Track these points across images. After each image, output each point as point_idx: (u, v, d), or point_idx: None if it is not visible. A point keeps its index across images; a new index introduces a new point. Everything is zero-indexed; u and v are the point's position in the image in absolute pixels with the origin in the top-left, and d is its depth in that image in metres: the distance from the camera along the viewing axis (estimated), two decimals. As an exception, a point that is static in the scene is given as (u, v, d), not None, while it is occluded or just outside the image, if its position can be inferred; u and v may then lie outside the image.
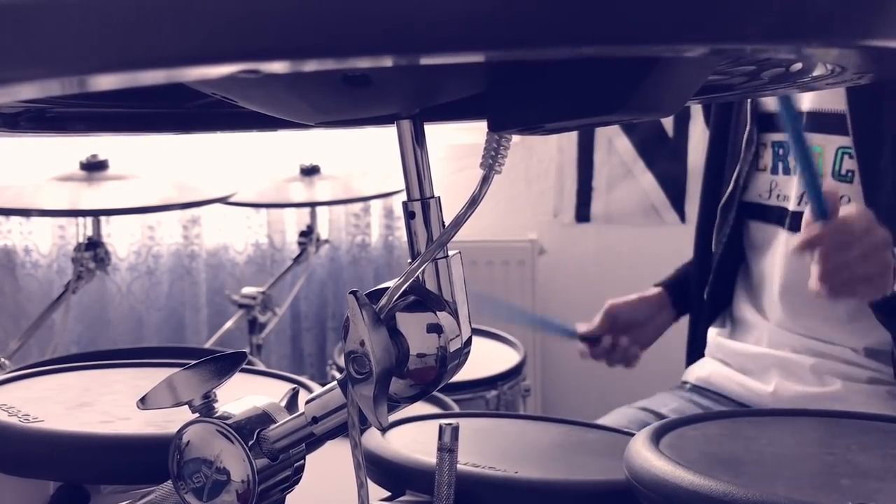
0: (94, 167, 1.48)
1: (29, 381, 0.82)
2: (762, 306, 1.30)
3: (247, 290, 1.81)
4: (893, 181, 1.10)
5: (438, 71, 0.40)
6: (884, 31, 0.29)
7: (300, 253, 1.95)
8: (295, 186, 1.87)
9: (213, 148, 2.26)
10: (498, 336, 1.69)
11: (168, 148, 2.20)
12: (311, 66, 0.26)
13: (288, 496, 0.55)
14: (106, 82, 0.27)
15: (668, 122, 2.40)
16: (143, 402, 0.52)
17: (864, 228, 0.99)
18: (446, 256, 0.49)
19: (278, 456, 0.52)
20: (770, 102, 1.28)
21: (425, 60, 0.28)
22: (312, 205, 1.94)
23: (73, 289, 1.46)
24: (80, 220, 1.51)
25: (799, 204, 1.22)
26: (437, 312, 0.47)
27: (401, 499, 0.69)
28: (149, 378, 0.64)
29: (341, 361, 1.58)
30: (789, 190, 1.24)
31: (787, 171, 1.26)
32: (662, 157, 2.42)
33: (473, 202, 0.45)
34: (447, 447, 0.56)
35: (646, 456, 0.61)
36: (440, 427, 0.56)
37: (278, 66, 0.26)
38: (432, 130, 0.48)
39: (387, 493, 0.70)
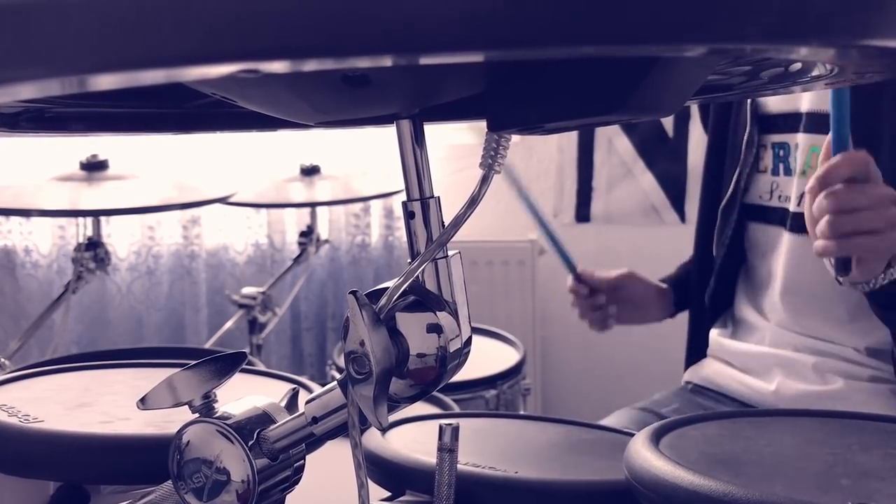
0: (94, 167, 1.48)
1: (29, 381, 0.82)
2: (763, 307, 1.30)
3: (247, 290, 1.81)
4: (894, 182, 1.10)
5: (438, 71, 0.40)
6: (883, 30, 0.29)
7: (300, 253, 1.95)
8: (295, 186, 1.87)
9: (213, 148, 2.26)
10: (498, 335, 1.69)
11: (168, 148, 2.20)
12: (310, 65, 0.26)
13: (288, 496, 0.55)
14: (106, 82, 0.27)
15: (668, 122, 2.40)
16: (143, 403, 0.52)
17: (879, 177, 0.98)
18: (446, 256, 0.49)
19: (278, 456, 0.52)
20: (771, 103, 1.28)
21: (425, 60, 0.28)
22: (312, 205, 1.94)
23: (73, 289, 1.46)
24: (80, 220, 1.51)
25: (799, 204, 1.22)
26: (437, 312, 0.47)
27: (401, 499, 0.69)
28: (149, 378, 0.64)
29: (341, 361, 1.58)
30: (790, 191, 1.24)
31: (787, 172, 1.26)
32: (662, 157, 2.42)
33: (473, 202, 0.45)
34: (447, 447, 0.56)
35: (646, 456, 0.61)
36: (440, 427, 0.56)
37: (278, 66, 0.26)
38: (432, 130, 0.48)
39: (387, 493, 0.70)
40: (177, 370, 0.52)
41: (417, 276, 0.48)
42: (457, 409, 1.19)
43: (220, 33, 0.24)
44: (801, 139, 1.23)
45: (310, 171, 1.88)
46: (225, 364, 0.53)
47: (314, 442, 0.53)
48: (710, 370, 1.35)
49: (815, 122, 1.21)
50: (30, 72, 0.26)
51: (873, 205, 0.98)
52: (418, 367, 0.47)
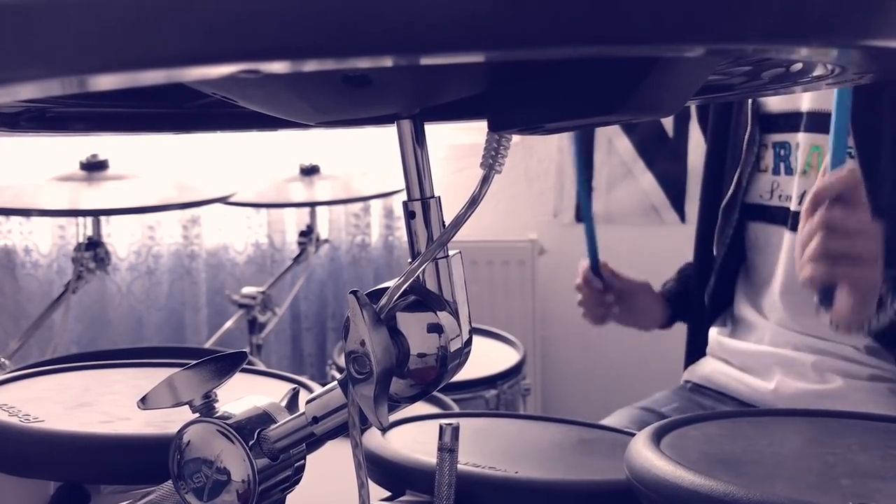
0: (94, 167, 1.48)
1: (29, 381, 0.82)
2: (763, 306, 1.30)
3: (247, 290, 1.81)
4: (894, 182, 1.10)
5: (439, 71, 0.40)
6: (884, 31, 0.29)
7: (300, 253, 1.95)
8: (295, 186, 1.87)
9: (213, 148, 2.26)
10: (498, 335, 1.69)
11: (168, 148, 2.20)
12: (311, 66, 0.26)
13: (288, 496, 0.55)
14: (106, 82, 0.27)
15: (668, 122, 2.40)
16: (144, 402, 0.52)
17: (867, 206, 0.98)
18: (447, 256, 0.49)
19: (279, 456, 0.52)
20: (772, 103, 1.28)
21: (425, 60, 0.28)
22: (312, 205, 1.94)
23: (73, 289, 1.46)
24: (80, 220, 1.51)
25: (800, 203, 1.22)
26: (438, 312, 0.47)
27: (401, 499, 0.69)
28: (149, 378, 0.64)
29: (341, 361, 1.58)
30: (790, 190, 1.24)
31: (788, 172, 1.26)
32: (662, 157, 2.42)
33: (473, 202, 0.45)
34: (447, 447, 0.56)
35: (646, 456, 0.61)
36: (440, 427, 0.56)
37: (278, 67, 0.26)
38: (432, 130, 0.48)
39: (387, 493, 0.70)
40: (177, 370, 0.52)
41: (418, 276, 0.48)
42: (457, 409, 1.19)
43: (220, 33, 0.24)
44: (801, 138, 1.23)
45: (310, 171, 1.88)
46: (225, 364, 0.53)
47: (315, 442, 0.53)
48: (710, 369, 1.35)
49: (816, 122, 1.21)
50: (30, 72, 0.26)
51: (862, 231, 0.98)
52: (419, 366, 0.47)
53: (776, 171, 1.28)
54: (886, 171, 1.13)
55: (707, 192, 1.40)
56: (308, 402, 0.52)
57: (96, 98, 0.51)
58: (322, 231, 2.05)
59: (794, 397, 1.20)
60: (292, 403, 0.56)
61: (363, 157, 2.26)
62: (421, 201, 0.48)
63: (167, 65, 0.25)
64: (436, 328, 0.47)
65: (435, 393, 0.54)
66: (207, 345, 1.87)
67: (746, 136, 1.28)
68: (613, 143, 2.43)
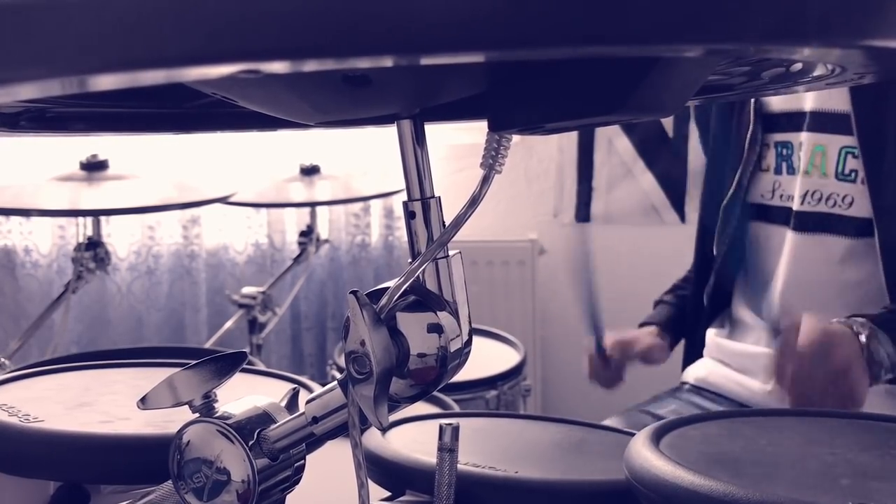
0: (94, 167, 1.48)
1: (29, 380, 0.82)
2: (759, 308, 1.30)
3: (247, 290, 1.81)
4: None
5: (439, 71, 0.40)
6: (884, 31, 0.29)
7: (300, 253, 1.95)
8: (295, 186, 1.87)
9: (213, 148, 2.26)
10: (498, 336, 1.69)
11: (168, 148, 2.20)
12: (311, 66, 0.26)
13: (288, 496, 0.55)
14: (106, 82, 0.27)
15: (668, 122, 2.40)
16: (144, 402, 0.52)
17: (820, 350, 1.00)
18: (447, 256, 0.49)
19: (278, 456, 0.52)
20: (774, 102, 1.28)
21: (425, 60, 0.28)
22: (312, 205, 1.94)
23: (73, 289, 1.46)
24: (80, 220, 1.51)
25: (802, 203, 1.22)
26: (438, 312, 0.47)
27: (401, 499, 0.69)
28: (149, 378, 0.64)
29: (341, 361, 1.58)
30: (792, 190, 1.24)
31: (790, 171, 1.26)
32: (662, 157, 2.42)
33: (474, 202, 0.45)
34: (447, 447, 0.56)
35: (646, 456, 0.61)
36: (440, 427, 0.56)
37: (278, 67, 0.26)
38: (432, 130, 0.48)
39: (387, 493, 0.70)
40: (177, 370, 0.52)
41: (418, 276, 0.48)
42: (457, 409, 1.19)
43: (220, 34, 0.24)
44: (804, 138, 1.23)
45: (310, 171, 1.88)
46: (225, 364, 0.53)
47: (314, 442, 0.53)
48: (707, 370, 1.35)
49: (819, 121, 1.21)
50: (30, 72, 0.26)
51: (831, 379, 1.00)
52: (419, 366, 0.47)
53: (778, 171, 1.27)
54: (890, 172, 1.13)
55: (708, 191, 1.40)
56: (308, 402, 0.52)
57: (96, 98, 0.51)
58: (322, 231, 2.05)
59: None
60: (292, 403, 0.56)
61: (363, 157, 2.26)
62: (421, 201, 0.48)
63: (167, 65, 0.25)
64: (436, 328, 0.47)
65: (435, 393, 0.54)
66: (207, 345, 1.87)
67: (748, 136, 1.28)
68: (613, 143, 2.43)
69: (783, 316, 1.04)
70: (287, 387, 0.59)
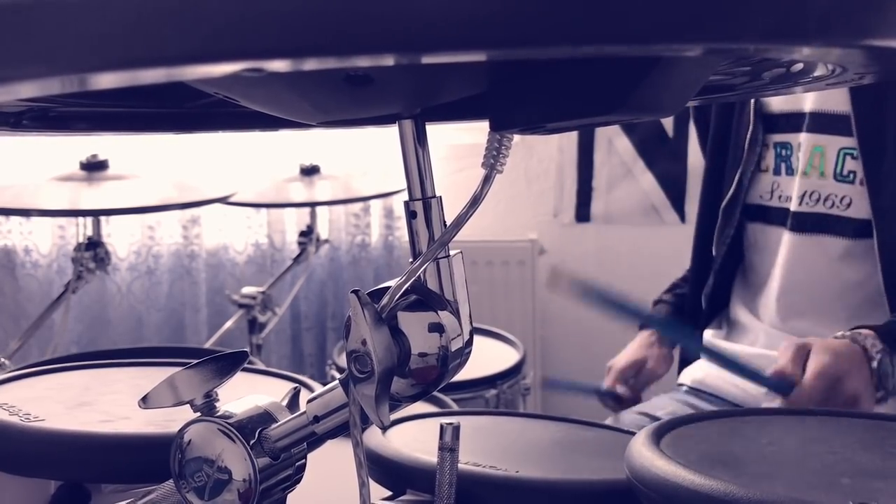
0: (94, 167, 1.49)
1: (29, 380, 0.82)
2: (758, 308, 1.30)
3: (247, 290, 1.81)
4: None
5: (440, 70, 0.40)
6: (884, 31, 0.29)
7: (300, 253, 1.95)
8: (295, 186, 1.87)
9: (213, 148, 2.26)
10: (498, 335, 1.69)
11: (168, 148, 2.20)
12: (312, 65, 0.26)
13: (289, 495, 0.55)
14: (106, 81, 0.27)
15: (668, 122, 2.40)
16: (145, 402, 0.52)
17: (826, 395, 0.99)
18: (448, 256, 0.49)
19: (280, 455, 0.52)
20: (774, 103, 1.28)
21: (427, 60, 0.28)
22: (312, 205, 1.94)
23: (73, 289, 1.47)
24: (80, 220, 1.51)
25: (801, 204, 1.22)
26: (439, 312, 0.47)
27: (402, 498, 0.69)
28: (149, 378, 0.64)
29: (341, 361, 1.58)
30: (791, 191, 1.24)
31: (789, 172, 1.26)
32: (662, 157, 2.42)
33: (475, 202, 0.45)
34: (448, 446, 0.56)
35: (646, 455, 0.61)
36: (441, 426, 0.56)
37: (280, 65, 0.26)
38: (433, 130, 0.48)
39: (388, 493, 0.70)
40: (177, 370, 0.52)
41: (419, 276, 0.48)
42: (456, 409, 1.19)
43: (222, 32, 0.24)
44: (803, 139, 1.23)
45: (310, 171, 1.88)
46: (226, 363, 0.53)
47: (315, 441, 0.53)
48: (704, 372, 1.35)
49: (819, 122, 1.21)
50: (31, 71, 0.26)
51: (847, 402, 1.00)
52: (420, 366, 0.47)
53: (777, 172, 1.27)
54: (889, 173, 1.13)
55: (707, 192, 1.40)
56: (309, 401, 0.52)
57: (97, 97, 0.51)
58: (322, 231, 2.05)
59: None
60: (293, 403, 0.56)
61: (363, 157, 2.26)
62: (422, 201, 0.48)
63: (168, 63, 0.25)
64: (437, 328, 0.47)
65: (435, 393, 0.54)
66: (207, 345, 1.87)
67: (748, 136, 1.28)
68: (613, 143, 2.43)
69: (787, 339, 1.04)
70: (288, 386, 0.59)
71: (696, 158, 2.34)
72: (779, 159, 1.27)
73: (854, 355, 1.02)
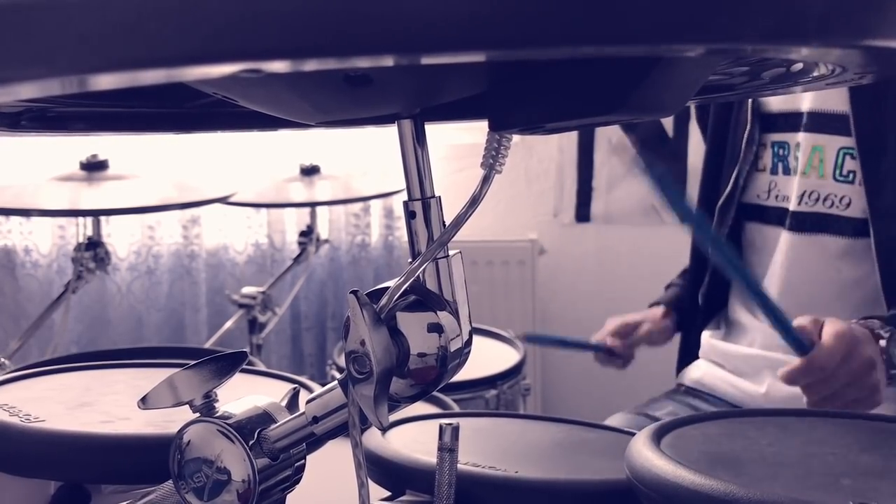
0: (94, 167, 1.48)
1: (29, 381, 0.82)
2: (756, 308, 1.30)
3: (247, 290, 1.81)
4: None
5: (439, 71, 0.40)
6: (884, 30, 0.29)
7: (300, 253, 1.95)
8: (295, 186, 1.87)
9: (213, 148, 2.26)
10: (498, 335, 1.69)
11: (168, 148, 2.20)
12: (312, 65, 0.26)
13: (288, 496, 0.55)
14: (106, 82, 0.27)
15: (668, 122, 2.40)
16: (144, 402, 0.52)
17: (844, 356, 0.98)
18: (447, 256, 0.49)
19: (279, 455, 0.52)
20: (772, 102, 1.28)
21: (426, 60, 0.28)
22: (312, 205, 1.94)
23: (73, 289, 1.46)
24: (80, 220, 1.51)
25: (800, 204, 1.22)
26: (438, 312, 0.47)
27: (401, 498, 0.69)
28: (149, 378, 0.64)
29: (341, 361, 1.58)
30: (789, 190, 1.24)
31: (786, 172, 1.26)
32: (662, 157, 2.42)
33: (474, 202, 0.45)
34: (447, 447, 0.56)
35: (647, 455, 0.61)
36: (440, 427, 0.56)
37: (280, 66, 0.26)
38: (432, 130, 0.48)
39: (387, 493, 0.70)
40: (177, 370, 0.52)
41: (418, 276, 0.48)
42: (456, 409, 1.19)
43: (221, 33, 0.24)
44: (801, 138, 1.23)
45: (310, 171, 1.88)
46: (225, 364, 0.53)
47: (315, 441, 0.53)
48: (702, 372, 1.35)
49: (817, 122, 1.21)
50: (30, 71, 0.26)
51: (850, 381, 0.99)
52: (419, 366, 0.47)
53: (774, 171, 1.28)
54: (888, 172, 1.13)
55: (705, 190, 1.40)
56: (308, 401, 0.52)
57: (97, 98, 0.51)
58: (322, 231, 2.05)
59: (785, 401, 1.20)
60: (292, 403, 0.56)
61: (363, 157, 2.26)
62: (421, 201, 0.48)
63: (168, 64, 0.25)
64: (436, 328, 0.47)
65: (435, 393, 0.54)
66: (207, 345, 1.87)
67: (746, 135, 1.28)
68: (613, 143, 2.43)
69: (804, 317, 1.04)
70: (287, 387, 0.59)
71: (696, 158, 2.34)
72: (776, 159, 1.27)
73: (864, 332, 1.03)
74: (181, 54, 0.25)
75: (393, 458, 0.69)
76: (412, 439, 0.74)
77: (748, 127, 1.28)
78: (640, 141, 2.42)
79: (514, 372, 1.53)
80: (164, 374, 0.52)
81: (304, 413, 0.52)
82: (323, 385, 0.54)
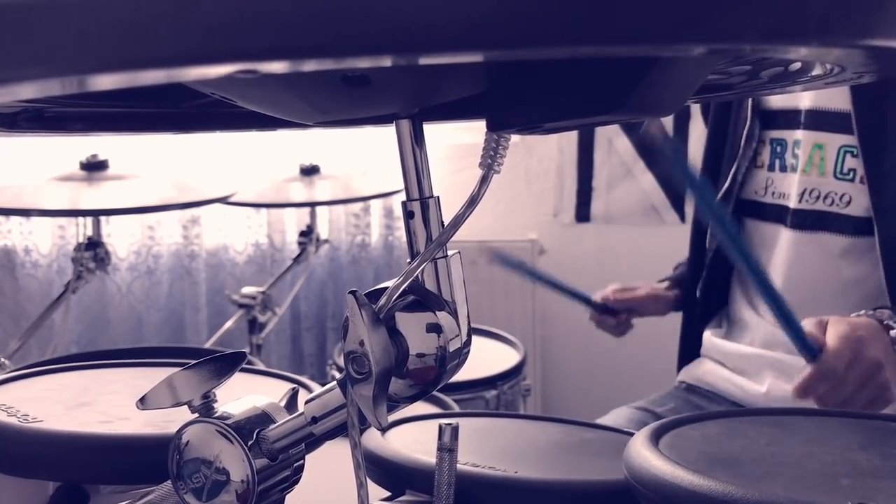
0: (94, 167, 1.48)
1: (28, 381, 0.82)
2: (758, 305, 1.30)
3: (247, 290, 1.81)
4: None
5: (438, 71, 0.40)
6: (884, 30, 0.29)
7: (300, 253, 1.95)
8: (295, 186, 1.87)
9: (213, 148, 2.26)
10: (498, 336, 1.69)
11: (168, 148, 2.20)
12: (309, 66, 0.26)
13: (287, 496, 0.55)
14: (105, 82, 0.27)
15: (668, 122, 2.40)
16: (143, 403, 0.52)
17: (850, 361, 0.97)
18: (445, 256, 0.49)
19: (278, 456, 0.52)
20: (772, 99, 1.28)
21: (424, 60, 0.28)
22: (312, 205, 1.94)
23: (73, 289, 1.47)
24: (80, 220, 1.51)
25: (800, 201, 1.22)
26: (437, 312, 0.47)
27: (400, 499, 0.69)
28: (148, 378, 0.64)
29: (341, 361, 1.58)
30: (786, 188, 1.25)
31: (783, 169, 1.26)
32: (662, 157, 2.42)
33: (472, 202, 0.45)
34: (447, 447, 0.56)
35: (645, 456, 0.61)
36: (440, 427, 0.56)
37: (277, 67, 0.26)
38: (431, 130, 0.48)
39: (387, 493, 0.70)
40: (176, 370, 0.52)
41: (417, 276, 0.48)
42: (457, 409, 1.19)
43: (218, 33, 0.24)
44: (800, 136, 1.23)
45: (310, 171, 1.88)
46: (224, 364, 0.53)
47: (314, 442, 0.53)
48: (703, 370, 1.35)
49: (816, 120, 1.21)
50: (30, 72, 0.26)
51: (860, 384, 0.98)
52: (418, 366, 0.47)
53: (771, 168, 1.28)
54: (890, 170, 1.13)
55: None
56: (307, 402, 0.52)
57: (96, 98, 0.51)
58: (322, 231, 2.05)
59: (785, 400, 1.20)
60: (291, 403, 0.56)
61: (363, 157, 2.26)
62: (420, 201, 0.48)
63: (167, 65, 0.25)
64: (435, 328, 0.47)
65: (435, 393, 0.54)
66: (207, 345, 1.87)
67: (745, 132, 1.29)
68: (613, 143, 2.43)
69: (808, 321, 1.03)
70: (286, 387, 0.59)
71: (696, 158, 2.34)
72: (774, 156, 1.28)
73: (871, 326, 1.02)
74: (180, 54, 0.25)
75: (392, 458, 0.69)
76: (412, 439, 0.74)
77: (748, 123, 1.28)
78: (640, 141, 2.42)
79: (514, 372, 1.53)
80: (163, 374, 0.52)
81: (302, 413, 0.52)
82: (323, 385, 0.54)
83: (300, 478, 0.55)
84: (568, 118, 0.40)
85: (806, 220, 1.22)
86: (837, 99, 1.18)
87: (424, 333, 0.47)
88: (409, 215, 0.48)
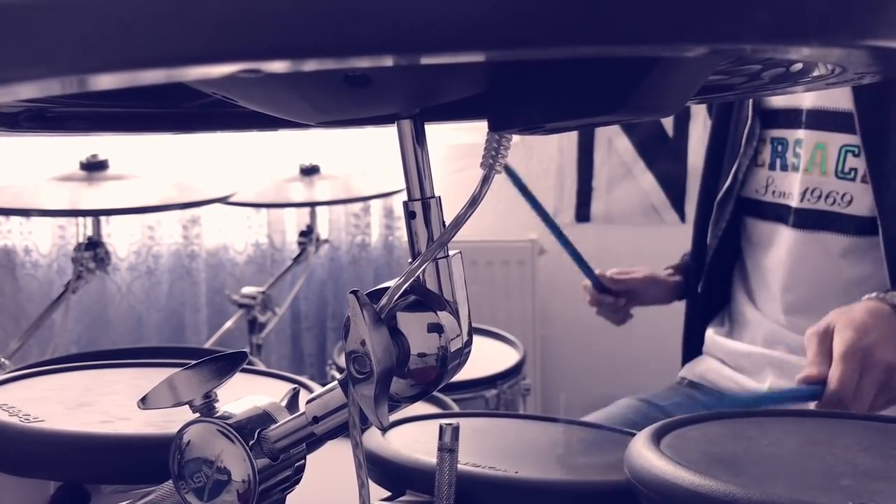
0: (94, 167, 1.48)
1: (29, 381, 0.82)
2: (759, 302, 1.30)
3: (247, 290, 1.81)
4: None
5: (439, 71, 0.40)
6: (884, 30, 0.29)
7: (300, 253, 1.95)
8: (295, 186, 1.87)
9: (213, 148, 2.26)
10: (498, 335, 1.69)
11: (168, 148, 2.20)
12: (311, 65, 0.26)
13: (288, 496, 0.55)
14: (106, 82, 0.27)
15: (668, 122, 2.40)
16: (144, 402, 0.52)
17: (861, 372, 0.95)
18: (447, 256, 0.49)
19: (279, 456, 0.52)
20: (773, 98, 1.29)
21: (426, 60, 0.28)
22: (312, 205, 1.94)
23: (73, 289, 1.46)
24: (80, 220, 1.51)
25: (802, 201, 1.22)
26: (438, 312, 0.47)
27: (401, 499, 0.69)
28: (149, 378, 0.64)
29: (341, 361, 1.58)
30: (787, 187, 1.25)
31: (784, 168, 1.26)
32: (662, 157, 2.42)
33: (474, 202, 0.45)
34: (448, 447, 0.56)
35: (646, 456, 0.61)
36: (441, 427, 0.56)
37: (279, 66, 0.26)
38: (432, 130, 0.48)
39: (387, 493, 0.70)
40: (177, 370, 0.52)
41: (418, 276, 0.48)
42: (457, 409, 1.19)
43: (221, 33, 0.24)
44: (802, 135, 1.23)
45: (310, 171, 1.88)
46: (225, 364, 0.53)
47: (315, 441, 0.53)
48: (705, 367, 1.35)
49: (818, 119, 1.21)
50: (30, 72, 0.26)
51: (878, 389, 0.96)
52: (419, 366, 0.47)
53: (772, 167, 1.28)
54: (893, 170, 1.13)
55: (705, 184, 1.41)
56: (308, 401, 0.52)
57: (96, 98, 0.51)
58: (322, 231, 2.05)
59: None
60: (292, 403, 0.56)
61: (363, 157, 2.26)
62: (421, 201, 0.48)
63: (168, 65, 0.25)
64: (436, 328, 0.47)
65: (435, 393, 0.54)
66: (207, 345, 1.87)
67: (746, 131, 1.29)
68: (613, 143, 2.43)
69: (811, 329, 1.01)
70: (287, 387, 0.59)
71: (696, 158, 2.34)
72: (775, 155, 1.28)
73: (882, 322, 0.99)
74: (181, 54, 0.25)
75: (393, 458, 0.69)
76: (412, 439, 0.74)
77: (749, 122, 1.29)
78: (640, 141, 2.42)
79: (514, 372, 1.53)
80: (164, 374, 0.52)
81: (304, 413, 0.52)
82: (323, 385, 0.54)
83: (301, 478, 0.55)
84: (569, 118, 0.40)
85: (808, 220, 1.22)
86: (839, 98, 1.18)
87: (426, 333, 0.47)
88: (410, 215, 0.48)
